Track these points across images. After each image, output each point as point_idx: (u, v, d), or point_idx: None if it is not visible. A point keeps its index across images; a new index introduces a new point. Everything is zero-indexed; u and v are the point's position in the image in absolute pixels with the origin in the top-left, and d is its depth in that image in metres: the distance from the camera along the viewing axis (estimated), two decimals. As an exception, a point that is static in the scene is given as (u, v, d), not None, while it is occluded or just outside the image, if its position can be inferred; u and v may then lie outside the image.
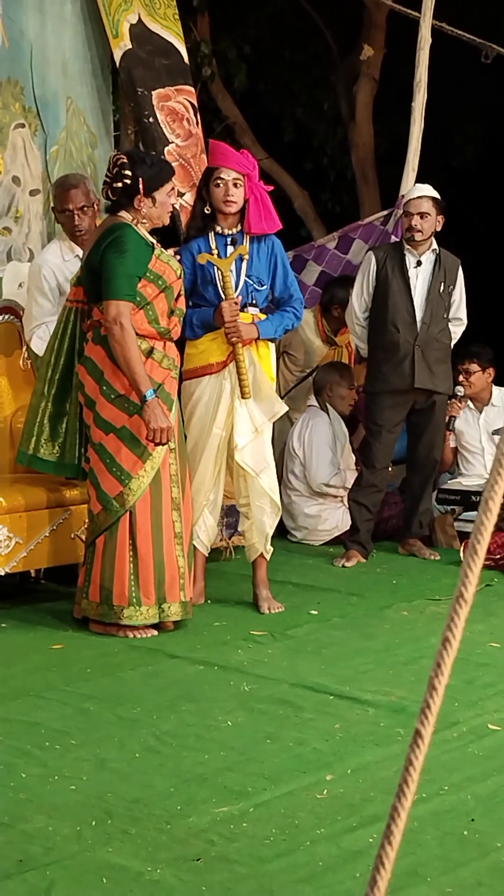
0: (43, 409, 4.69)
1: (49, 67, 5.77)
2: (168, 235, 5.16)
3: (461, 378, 6.51)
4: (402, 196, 6.45)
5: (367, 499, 6.00)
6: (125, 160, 4.43)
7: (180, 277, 4.55)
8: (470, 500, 6.37)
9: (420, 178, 6.61)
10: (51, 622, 4.65)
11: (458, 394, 6.47)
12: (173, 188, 4.57)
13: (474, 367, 6.51)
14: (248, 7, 10.24)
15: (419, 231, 5.85)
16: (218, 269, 4.79)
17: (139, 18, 6.03)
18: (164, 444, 4.36)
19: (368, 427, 6.15)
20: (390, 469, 6.24)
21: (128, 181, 4.38)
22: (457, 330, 6.10)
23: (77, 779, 3.03)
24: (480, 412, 6.59)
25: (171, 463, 4.49)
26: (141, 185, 4.39)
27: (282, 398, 6.74)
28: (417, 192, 5.96)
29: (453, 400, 6.45)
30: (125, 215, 4.45)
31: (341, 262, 7.18)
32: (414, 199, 5.91)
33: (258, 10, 10.38)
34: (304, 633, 4.54)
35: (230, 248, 4.82)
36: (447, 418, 6.41)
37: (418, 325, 5.88)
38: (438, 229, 5.94)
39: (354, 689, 3.79)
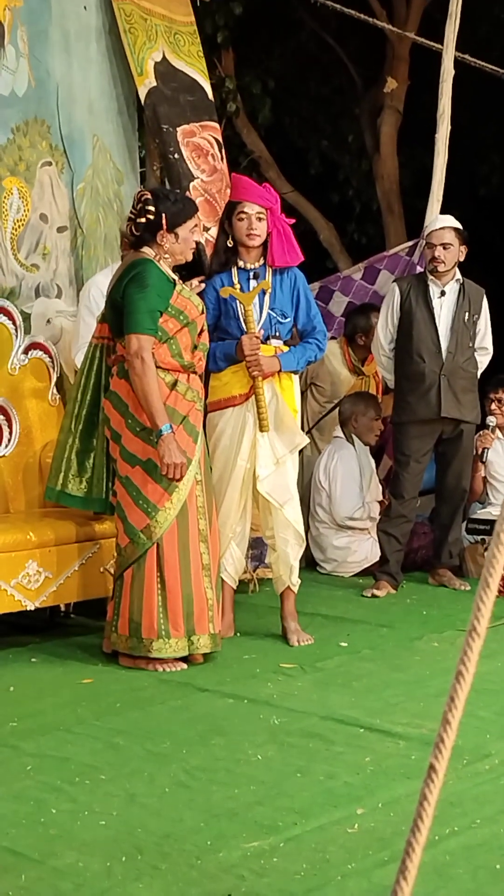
0: (70, 444, 4.73)
1: (75, 106, 5.84)
2: (193, 269, 5.19)
3: (493, 407, 6.50)
4: (426, 227, 6.47)
5: (397, 529, 5.99)
6: (149, 196, 4.49)
7: (203, 313, 4.58)
8: (500, 529, 6.34)
9: (445, 208, 6.63)
10: (80, 656, 4.66)
11: (490, 424, 6.47)
12: (196, 225, 4.61)
13: None
14: (271, 42, 10.33)
15: (442, 262, 5.87)
16: (240, 303, 4.81)
17: (164, 56, 6.10)
18: (177, 480, 4.37)
19: (396, 457, 6.14)
20: (417, 501, 6.23)
21: (151, 217, 4.44)
22: (483, 359, 6.09)
23: (107, 814, 3.02)
24: (509, 441, 6.57)
25: (197, 495, 4.50)
26: (164, 221, 4.44)
27: (310, 429, 6.77)
28: (439, 223, 5.98)
29: (486, 431, 6.44)
30: (148, 251, 4.50)
31: (368, 293, 7.21)
32: (436, 230, 5.93)
33: (282, 45, 10.47)
34: (334, 666, 4.52)
35: (253, 283, 4.85)
36: (480, 450, 6.40)
37: (444, 354, 5.88)
38: (462, 259, 5.96)
39: (385, 722, 3.76)
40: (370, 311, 6.77)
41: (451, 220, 5.97)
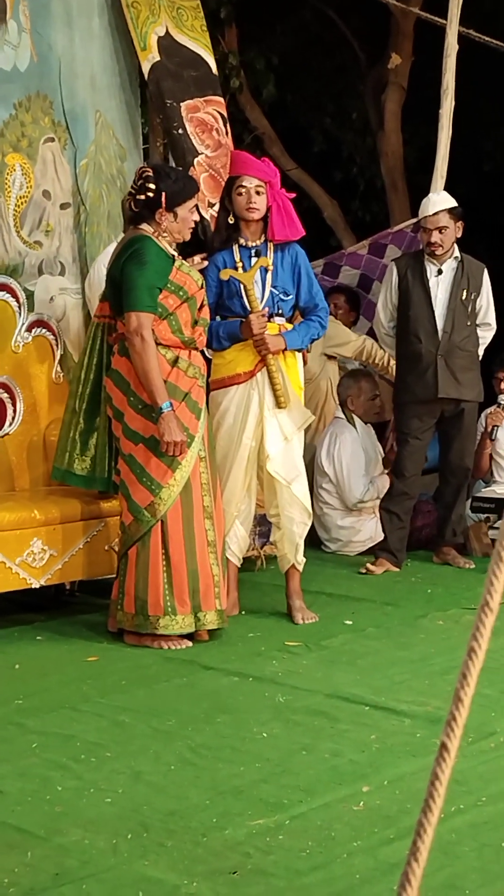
0: (74, 424, 4.73)
1: (77, 81, 5.79)
2: (196, 247, 5.17)
3: (502, 385, 6.49)
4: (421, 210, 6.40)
5: (398, 507, 5.98)
6: (150, 173, 4.47)
7: (202, 288, 4.56)
8: (505, 507, 6.34)
9: (450, 184, 6.58)
10: (86, 634, 4.66)
11: (502, 402, 6.45)
12: (196, 205, 4.59)
13: None
14: (275, 18, 10.25)
15: (440, 246, 5.82)
16: (242, 283, 4.79)
17: (167, 31, 6.05)
18: (177, 457, 4.37)
19: (397, 436, 6.14)
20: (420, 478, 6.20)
21: (151, 194, 4.42)
22: (486, 335, 6.05)
23: (113, 791, 3.03)
24: (517, 420, 6.55)
25: (201, 472, 4.49)
26: (163, 200, 4.43)
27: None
28: (432, 207, 5.87)
29: (497, 409, 6.43)
30: (146, 228, 4.48)
31: (378, 266, 7.20)
32: (430, 215, 5.85)
33: (285, 21, 10.39)
34: (339, 644, 4.52)
35: (254, 260, 4.82)
36: (490, 428, 6.39)
37: (440, 334, 5.85)
38: (459, 235, 5.90)
39: (390, 700, 3.76)
40: None
41: (443, 202, 5.88)
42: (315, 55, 10.86)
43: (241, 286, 4.79)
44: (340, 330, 6.85)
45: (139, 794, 3.01)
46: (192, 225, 4.58)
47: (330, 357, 6.85)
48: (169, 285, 4.44)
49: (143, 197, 4.45)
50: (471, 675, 1.27)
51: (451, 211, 5.84)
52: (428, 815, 1.29)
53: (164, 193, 4.43)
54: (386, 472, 6.47)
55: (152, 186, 4.43)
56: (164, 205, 4.44)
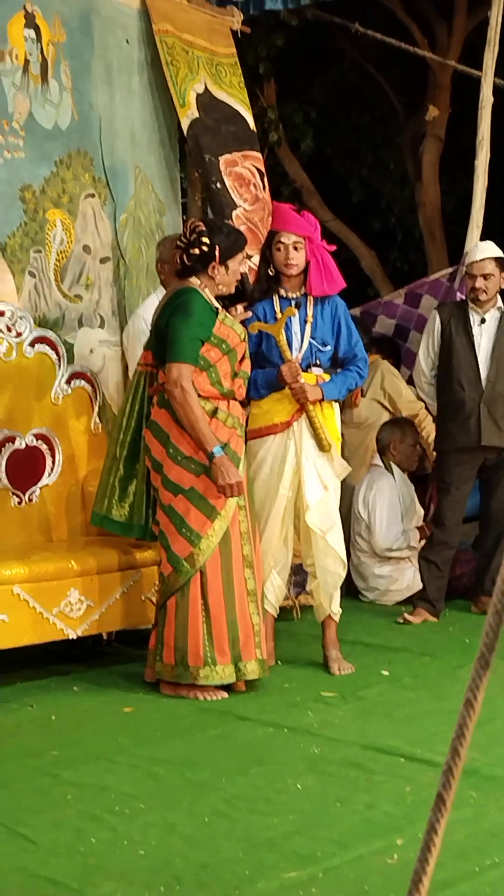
0: (114, 470, 4.77)
1: (117, 138, 5.90)
2: (236, 297, 5.23)
3: None
4: (466, 254, 6.47)
5: (438, 556, 5.96)
6: (203, 228, 4.53)
7: (244, 340, 4.61)
8: (544, 557, 6.28)
9: (487, 234, 6.62)
10: (122, 685, 4.67)
11: None
12: (244, 257, 4.65)
13: None
14: (313, 72, 10.39)
15: (483, 292, 5.87)
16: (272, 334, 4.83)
17: (206, 87, 6.16)
18: (235, 497, 4.39)
19: (437, 484, 6.13)
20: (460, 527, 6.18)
21: (205, 248, 4.48)
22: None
23: (146, 844, 3.02)
24: None
25: (241, 521, 4.51)
26: (217, 254, 4.49)
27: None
28: (479, 253, 5.96)
29: None
30: (194, 280, 4.54)
31: (413, 316, 7.23)
32: (476, 261, 5.91)
33: (323, 75, 10.53)
34: (375, 695, 4.51)
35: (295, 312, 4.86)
36: None
37: (483, 382, 5.87)
38: (503, 286, 5.94)
39: (426, 752, 3.73)
40: None
41: (490, 250, 5.95)
42: (353, 108, 10.99)
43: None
44: (408, 392, 6.86)
45: (172, 846, 3.01)
46: (240, 277, 4.64)
47: (387, 409, 6.88)
48: (212, 338, 4.49)
49: (196, 251, 4.51)
50: (467, 728, 1.29)
51: (497, 260, 5.90)
52: (425, 866, 1.29)
53: (217, 247, 4.50)
54: (423, 523, 6.45)
55: (206, 241, 4.50)
56: (217, 258, 4.50)
